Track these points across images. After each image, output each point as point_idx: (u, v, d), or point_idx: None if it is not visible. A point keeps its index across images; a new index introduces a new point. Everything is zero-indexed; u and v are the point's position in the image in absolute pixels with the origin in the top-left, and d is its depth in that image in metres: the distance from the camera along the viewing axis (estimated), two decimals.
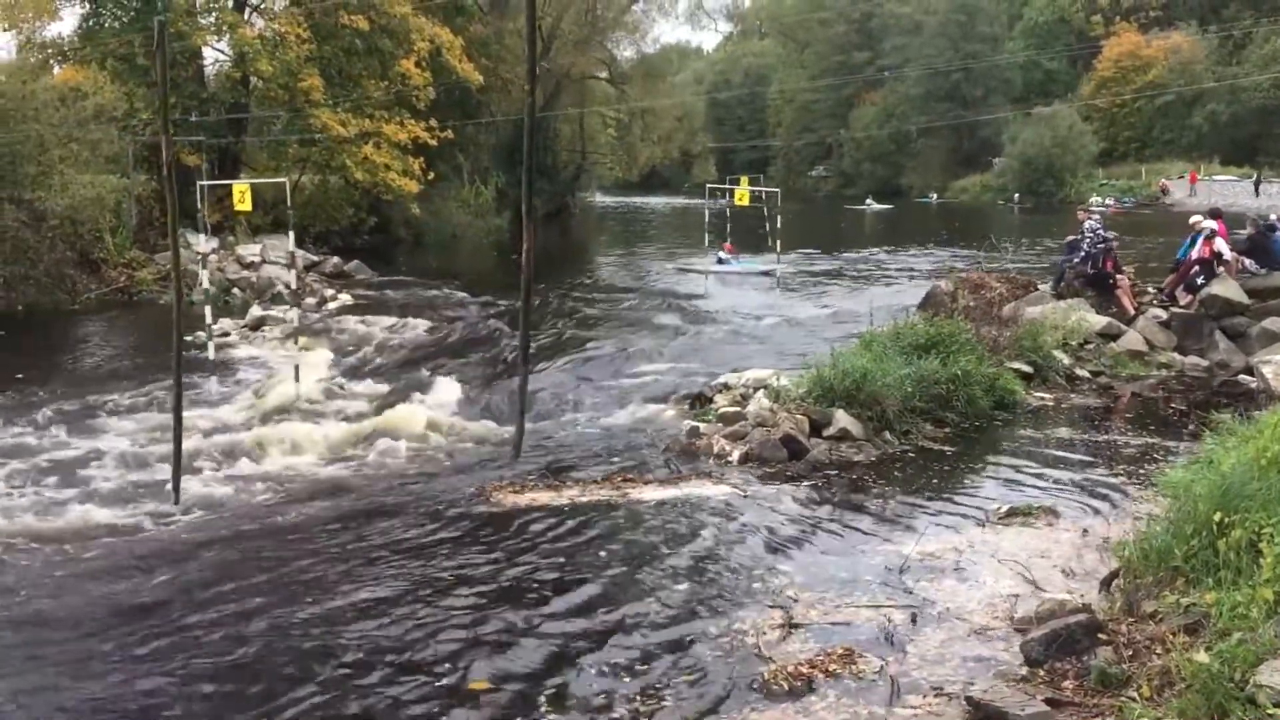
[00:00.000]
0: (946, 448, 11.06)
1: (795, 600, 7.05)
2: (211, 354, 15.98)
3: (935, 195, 77.75)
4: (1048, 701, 5.23)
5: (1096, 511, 8.83)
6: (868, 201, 70.57)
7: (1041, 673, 5.63)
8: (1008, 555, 7.67)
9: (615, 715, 5.53)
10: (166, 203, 26.06)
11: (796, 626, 6.60)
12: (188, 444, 10.48)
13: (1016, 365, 13.44)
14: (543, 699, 5.70)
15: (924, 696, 5.56)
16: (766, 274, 27.37)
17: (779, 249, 26.38)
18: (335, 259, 29.19)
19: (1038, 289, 17.35)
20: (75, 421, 13.30)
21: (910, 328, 13.14)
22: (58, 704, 5.88)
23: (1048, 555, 7.69)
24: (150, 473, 11.06)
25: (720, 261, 28.15)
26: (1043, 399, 13.10)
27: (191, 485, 10.34)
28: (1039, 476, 10.03)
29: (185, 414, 11.93)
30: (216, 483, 10.66)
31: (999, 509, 8.83)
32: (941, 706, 5.43)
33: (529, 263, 6.13)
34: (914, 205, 73.40)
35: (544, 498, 9.53)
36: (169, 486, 9.96)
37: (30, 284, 22.29)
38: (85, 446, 12.21)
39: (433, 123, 33.53)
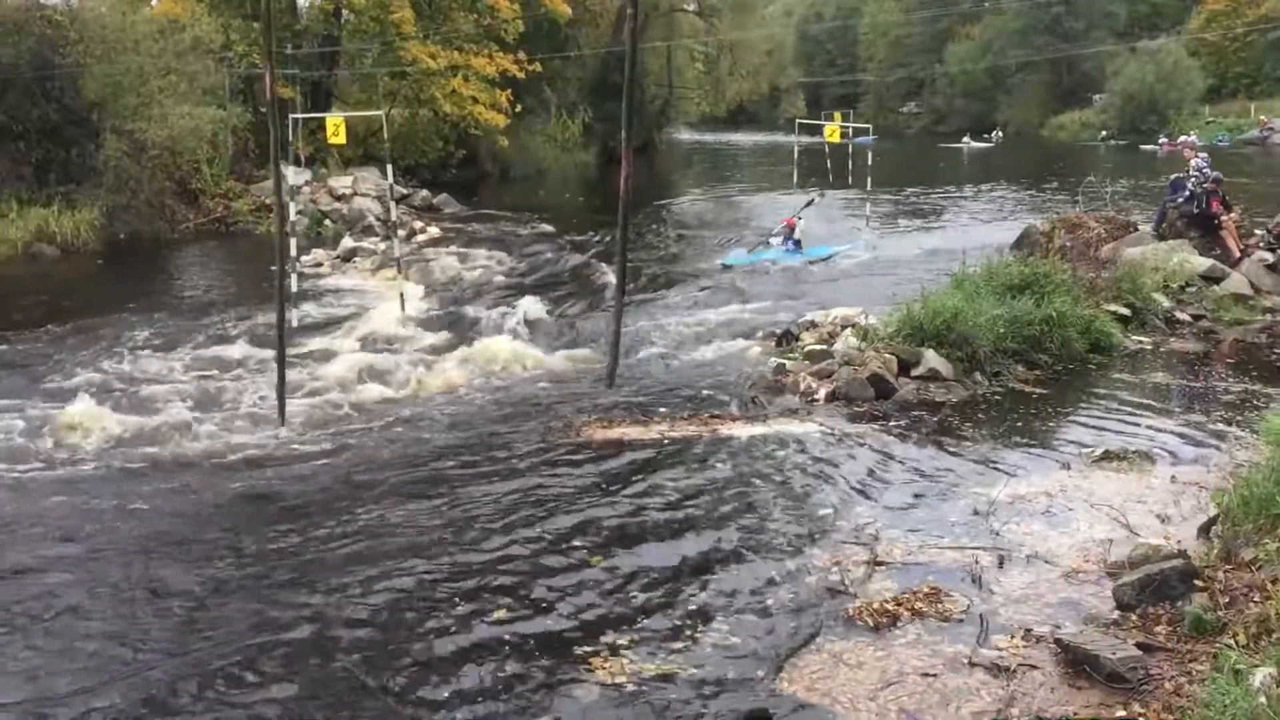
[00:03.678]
0: (1038, 390, 10.88)
1: (879, 539, 7.05)
2: (294, 286, 16.27)
3: (994, 133, 75.00)
4: (1140, 646, 5.20)
5: (1193, 458, 8.64)
6: (965, 139, 68.84)
7: (1134, 617, 5.58)
8: (1100, 499, 7.55)
9: (705, 644, 5.61)
10: (263, 134, 26.47)
11: (881, 564, 6.61)
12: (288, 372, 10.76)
13: (1114, 308, 13.11)
14: (631, 632, 5.79)
15: (1011, 637, 5.54)
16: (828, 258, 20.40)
17: (869, 187, 25.91)
18: (424, 192, 29.46)
19: (1138, 229, 16.85)
20: (178, 347, 13.72)
21: (1004, 267, 12.88)
22: (177, 616, 6.16)
23: (1142, 500, 7.56)
24: (253, 396, 11.37)
25: (793, 245, 20.76)
26: (1140, 342, 12.78)
27: (293, 409, 10.61)
28: (1134, 421, 9.82)
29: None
30: (316, 408, 10.93)
31: (1092, 453, 8.68)
32: (1029, 648, 5.42)
33: (627, 190, 6.10)
34: (1012, 141, 71.39)
35: (632, 433, 9.62)
36: (274, 409, 10.23)
37: (131, 213, 22.87)
38: (189, 372, 12.61)
39: (521, 56, 33.48)
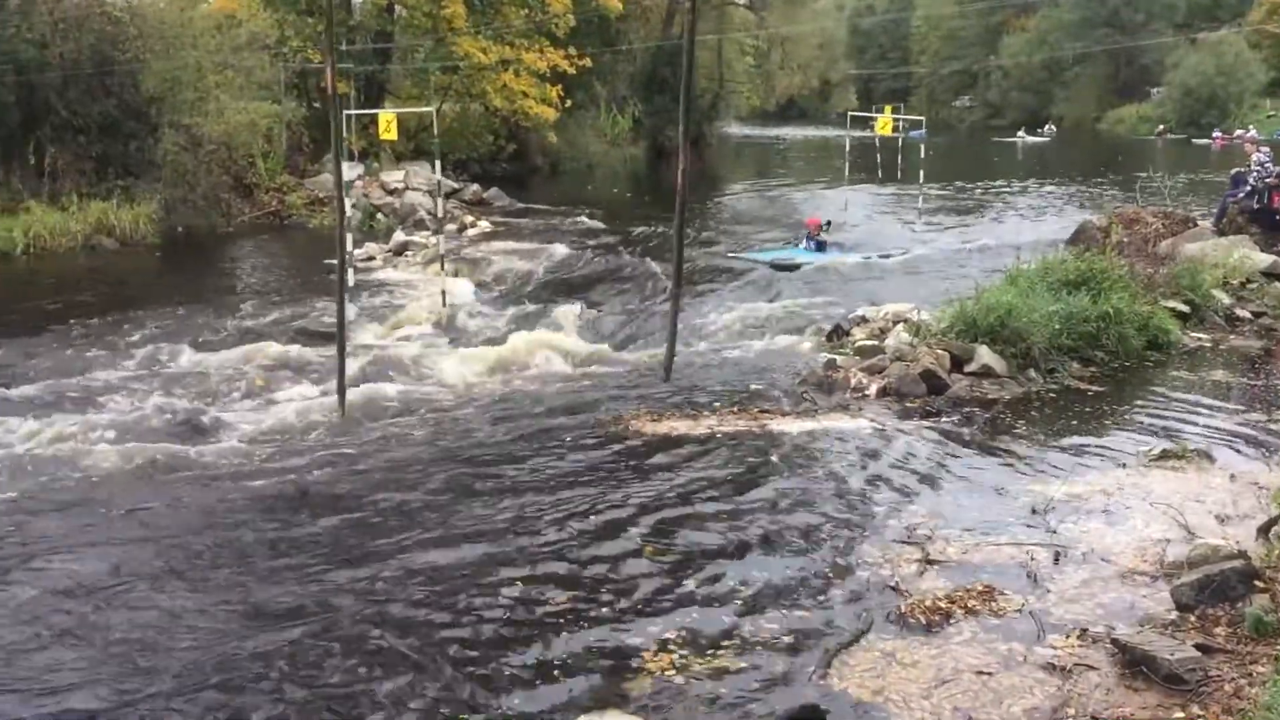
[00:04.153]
0: (1094, 387, 10.74)
1: (931, 537, 7.00)
2: (351, 280, 16.43)
3: (1047, 127, 73.63)
4: (1198, 647, 5.12)
5: (1253, 457, 8.51)
6: (1019, 133, 67.95)
7: (1192, 618, 5.50)
8: (1158, 498, 7.45)
9: (755, 640, 5.61)
10: (316, 129, 26.71)
11: (933, 563, 6.57)
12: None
13: (1172, 304, 12.91)
14: (680, 625, 5.80)
15: (1067, 637, 5.48)
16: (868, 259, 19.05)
17: (922, 181, 25.66)
18: (474, 186, 29.60)
19: (1197, 225, 16.56)
20: (236, 338, 13.94)
21: (1059, 263, 12.74)
22: (241, 593, 6.28)
23: (1201, 500, 7.45)
24: (312, 388, 11.51)
25: (814, 244, 19.47)
26: (1199, 340, 12.57)
27: (350, 400, 10.72)
28: (1192, 420, 9.67)
29: (333, 336, 12.42)
30: (371, 399, 11.03)
31: (1149, 451, 8.56)
32: (1085, 648, 5.36)
33: (684, 183, 6.10)
34: (1068, 136, 70.35)
35: (682, 426, 9.62)
36: (334, 399, 10.35)
37: (188, 207, 23.21)
38: (248, 363, 12.77)
39: (571, 51, 33.50)
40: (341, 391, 10.14)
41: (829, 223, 20.58)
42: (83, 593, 6.39)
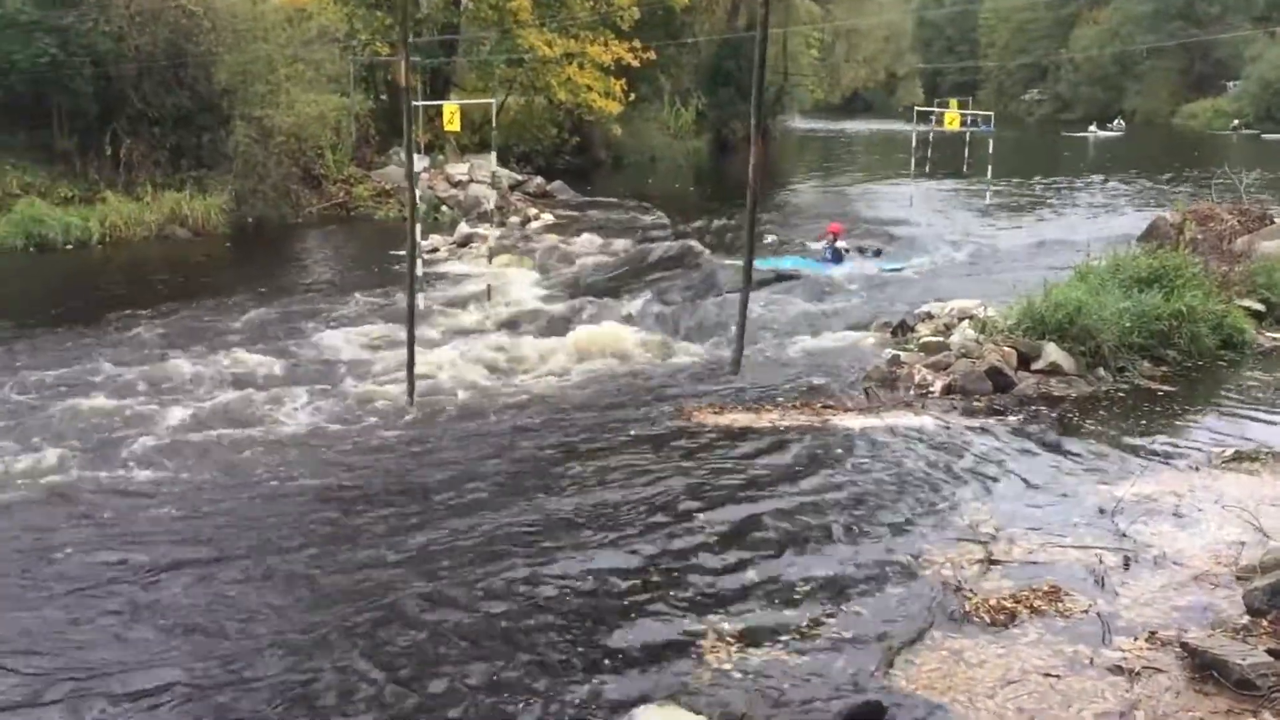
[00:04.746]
0: (1165, 387, 10.54)
1: (995, 536, 6.92)
2: (419, 271, 16.60)
3: (1115, 122, 72.01)
4: (1271, 653, 5.01)
5: None
6: (1091, 127, 66.74)
7: (1265, 623, 5.38)
8: (1231, 501, 7.29)
9: (814, 635, 5.59)
10: (383, 121, 26.98)
11: (997, 562, 6.50)
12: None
13: (1247, 303, 12.62)
14: (739, 618, 5.80)
15: (1135, 639, 5.40)
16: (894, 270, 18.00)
17: (990, 176, 25.36)
18: (538, 179, 29.73)
19: (1274, 221, 16.15)
20: (307, 328, 14.13)
21: (1131, 260, 12.51)
22: (307, 575, 6.40)
23: (1275, 503, 7.27)
24: (381, 379, 11.67)
25: (830, 251, 18.42)
26: (1275, 340, 12.27)
27: (418, 390, 10.84)
28: (1267, 421, 9.47)
29: (400, 327, 12.56)
30: (438, 390, 11.15)
31: (1222, 453, 8.39)
32: (1154, 651, 5.27)
33: (756, 176, 6.09)
34: (1140, 130, 68.99)
35: (744, 419, 9.61)
36: (402, 390, 10.49)
37: (258, 198, 23.56)
38: (318, 351, 12.98)
39: (636, 43, 33.53)
40: (411, 381, 10.27)
41: (879, 251, 19.27)
42: (149, 572, 6.57)
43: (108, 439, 9.48)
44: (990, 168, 25.22)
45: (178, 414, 10.17)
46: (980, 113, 29.75)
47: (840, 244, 18.34)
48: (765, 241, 18.04)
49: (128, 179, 22.55)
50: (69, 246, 20.10)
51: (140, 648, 5.65)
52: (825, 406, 9.99)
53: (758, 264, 16.58)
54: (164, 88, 23.14)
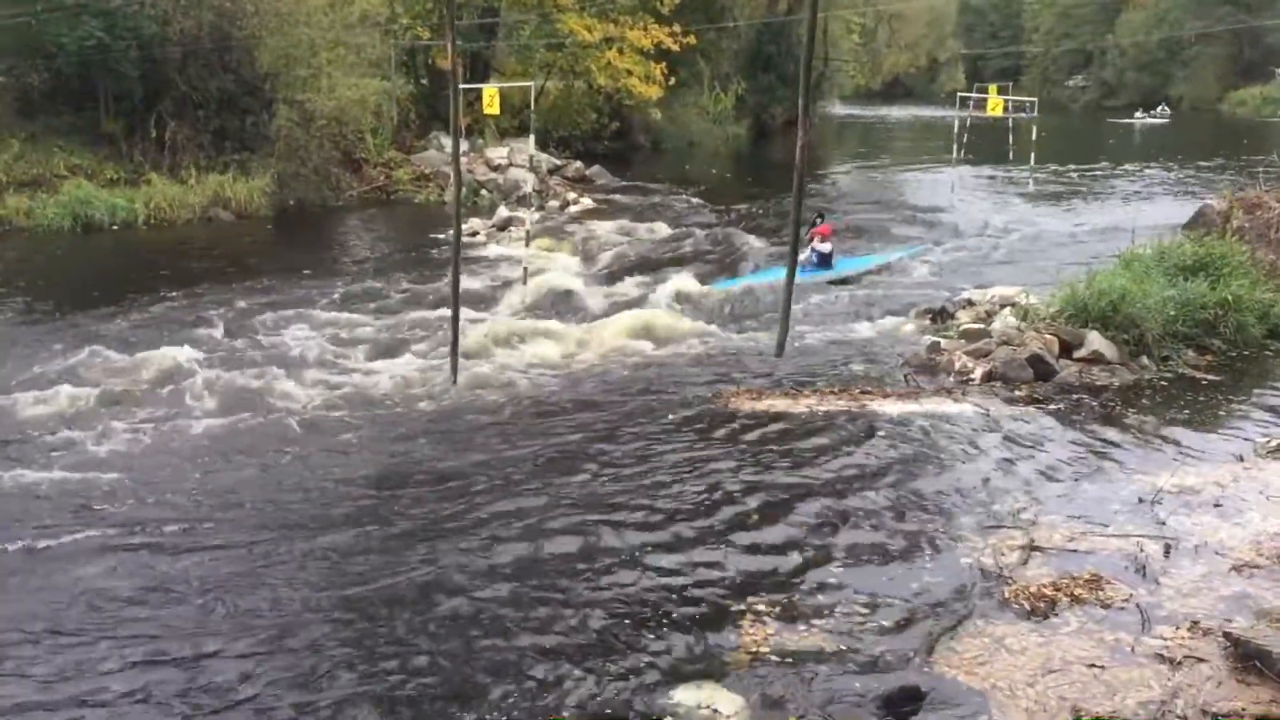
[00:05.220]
0: (1210, 376, 10.42)
1: (1035, 523, 6.89)
2: (451, 253, 16.63)
3: (1159, 109, 70.55)
4: None
5: None
6: (1136, 114, 65.75)
7: None
8: (1276, 492, 7.23)
9: (851, 619, 5.60)
10: (423, 105, 27.00)
11: (1037, 549, 6.47)
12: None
13: None
14: (777, 602, 5.81)
15: (1177, 628, 5.37)
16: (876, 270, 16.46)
17: (1032, 162, 25.07)
18: (577, 163, 29.74)
19: None
20: (348, 309, 14.26)
21: (1176, 248, 12.36)
22: (342, 553, 6.49)
23: None
24: (423, 358, 11.76)
25: (815, 255, 16.23)
26: None
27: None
28: None
29: (441, 309, 12.67)
30: (479, 370, 11.22)
31: (1267, 443, 8.30)
32: (1196, 640, 5.24)
33: (802, 158, 6.07)
34: (1187, 117, 67.87)
35: (781, 405, 9.60)
36: (444, 368, 10.58)
37: (300, 181, 23.71)
38: (357, 332, 13.08)
39: (676, 28, 33.40)
40: (454, 360, 10.36)
41: (882, 266, 16.60)
42: (184, 549, 6.68)
43: (148, 417, 9.62)
44: (1033, 154, 24.93)
45: (220, 391, 10.29)
46: (1024, 98, 29.44)
47: (824, 246, 16.20)
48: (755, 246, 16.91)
49: (172, 161, 22.76)
50: (114, 227, 20.35)
51: (182, 618, 5.76)
52: (864, 393, 9.96)
53: (726, 282, 15.64)
54: (208, 71, 23.33)
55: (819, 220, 16.77)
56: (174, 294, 14.84)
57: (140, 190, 21.48)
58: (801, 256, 14.90)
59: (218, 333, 12.80)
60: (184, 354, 11.59)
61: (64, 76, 22.07)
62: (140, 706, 4.98)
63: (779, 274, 14.98)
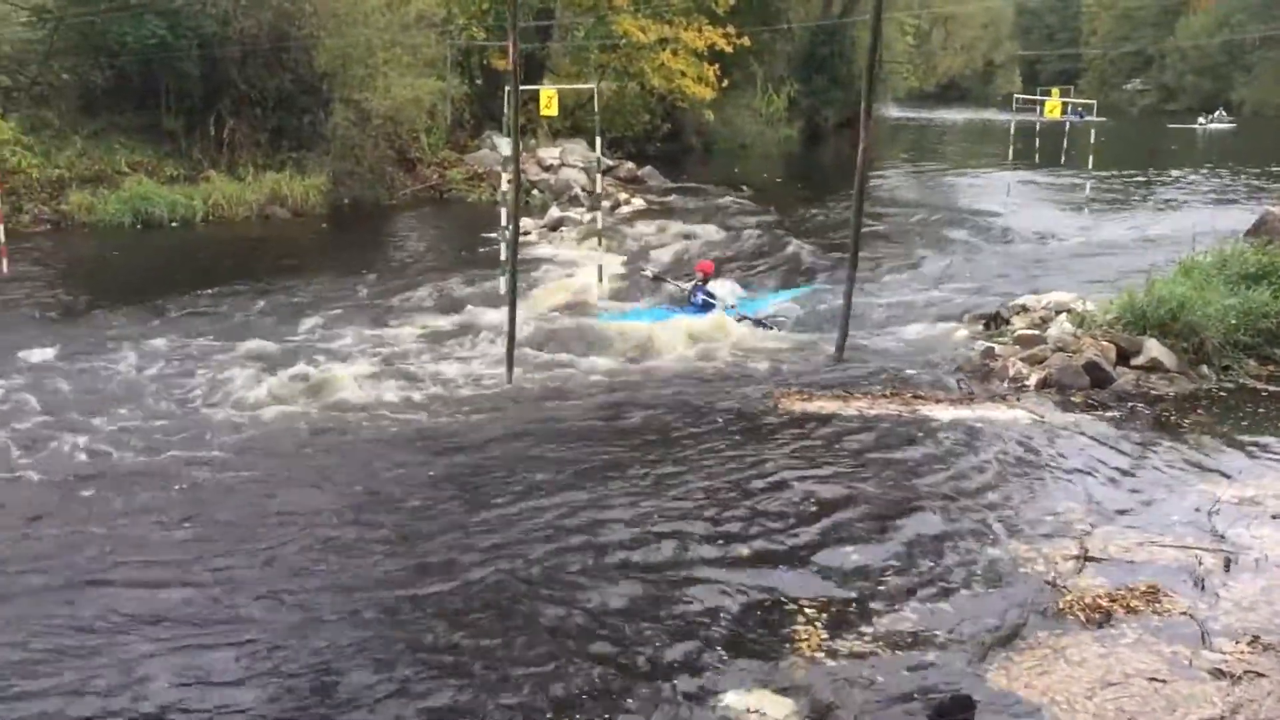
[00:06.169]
0: (1271, 387, 10.23)
1: (1090, 533, 6.81)
2: (503, 255, 16.71)
3: (1217, 113, 68.97)
4: None
5: None
6: (1200, 119, 64.62)
7: None
8: None
9: (902, 626, 5.56)
10: (477, 105, 27.13)
11: (1092, 560, 6.39)
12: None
13: None
14: (828, 608, 5.78)
15: (1236, 643, 5.28)
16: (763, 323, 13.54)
17: (1090, 167, 24.73)
18: (629, 164, 29.77)
19: None
20: (403, 307, 14.41)
21: (1238, 255, 12.13)
22: (396, 546, 6.56)
23: None
24: (479, 358, 11.85)
25: (700, 295, 13.86)
26: None
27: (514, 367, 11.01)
28: None
29: (494, 308, 12.74)
30: (534, 368, 11.27)
31: None
32: (1256, 655, 5.15)
33: (864, 160, 6.05)
34: (1250, 122, 66.60)
35: (831, 407, 9.56)
36: (499, 366, 10.67)
37: (355, 180, 23.99)
38: (413, 329, 13.21)
39: (730, 29, 33.33)
40: (510, 358, 10.44)
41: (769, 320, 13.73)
42: (244, 540, 6.78)
43: (211, 408, 9.78)
44: (1091, 159, 24.61)
45: (277, 386, 10.44)
46: (1081, 101, 29.06)
47: (709, 287, 14.02)
48: (644, 271, 15.82)
49: (230, 159, 23.10)
50: (174, 224, 20.70)
51: (225, 607, 5.86)
52: (916, 397, 9.88)
53: (611, 318, 13.86)
54: (266, 70, 23.63)
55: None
56: (232, 289, 15.10)
57: (199, 188, 21.83)
58: (687, 286, 14.00)
59: (276, 329, 12.97)
60: (243, 349, 11.78)
61: (127, 75, 22.48)
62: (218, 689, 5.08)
63: (658, 315, 13.49)
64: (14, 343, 11.77)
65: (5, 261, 15.43)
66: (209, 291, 14.93)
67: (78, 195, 20.63)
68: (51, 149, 21.51)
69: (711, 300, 13.76)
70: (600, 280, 15.29)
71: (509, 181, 17.86)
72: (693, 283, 14.23)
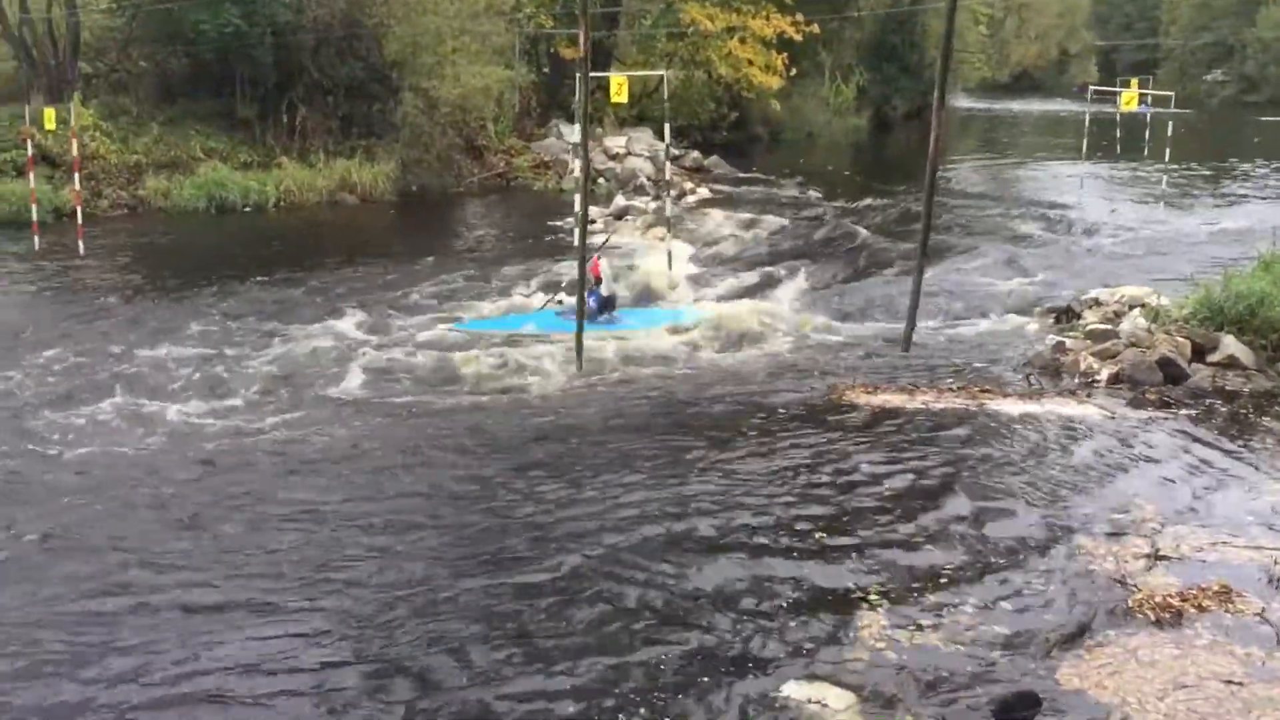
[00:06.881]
0: None
1: (1160, 531, 6.67)
2: (575, 241, 16.80)
3: None
4: None
5: None
6: None
7: None
8: None
9: (975, 623, 5.49)
10: (544, 93, 27.25)
11: (1162, 558, 6.27)
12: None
13: None
14: (890, 601, 5.74)
15: None
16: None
17: (1168, 160, 24.20)
18: (695, 154, 29.73)
19: None
20: (471, 291, 14.62)
21: None
22: (464, 531, 6.64)
23: None
24: (543, 340, 11.97)
25: (595, 298, 12.40)
26: None
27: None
28: None
29: (563, 294, 12.80)
30: (602, 356, 11.38)
31: None
32: None
33: (935, 151, 5.99)
34: None
35: (896, 400, 9.47)
36: (571, 353, 10.82)
37: (423, 167, 24.26)
38: (481, 314, 13.36)
39: (798, 16, 33.06)
40: (579, 347, 10.54)
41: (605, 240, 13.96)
42: (306, 521, 6.90)
43: (283, 388, 10.00)
44: (1169, 151, 24.07)
45: (350, 369, 10.62)
46: (1160, 93, 28.41)
47: (604, 289, 12.93)
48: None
49: (302, 146, 23.49)
50: (247, 209, 21.10)
51: (291, 590, 5.98)
52: (983, 391, 9.75)
53: (472, 326, 12.96)
54: (338, 58, 23.98)
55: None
56: (305, 273, 15.46)
57: (271, 174, 22.25)
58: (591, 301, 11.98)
59: (352, 313, 13.18)
60: (317, 329, 12.01)
61: (203, 62, 22.94)
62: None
63: (522, 321, 12.72)
64: (86, 320, 12.11)
65: (81, 244, 15.85)
66: (282, 275, 15.23)
67: (154, 180, 21.12)
68: (129, 135, 22.05)
69: (611, 301, 12.96)
70: (670, 267, 15.32)
71: (579, 168, 17.98)
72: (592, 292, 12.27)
